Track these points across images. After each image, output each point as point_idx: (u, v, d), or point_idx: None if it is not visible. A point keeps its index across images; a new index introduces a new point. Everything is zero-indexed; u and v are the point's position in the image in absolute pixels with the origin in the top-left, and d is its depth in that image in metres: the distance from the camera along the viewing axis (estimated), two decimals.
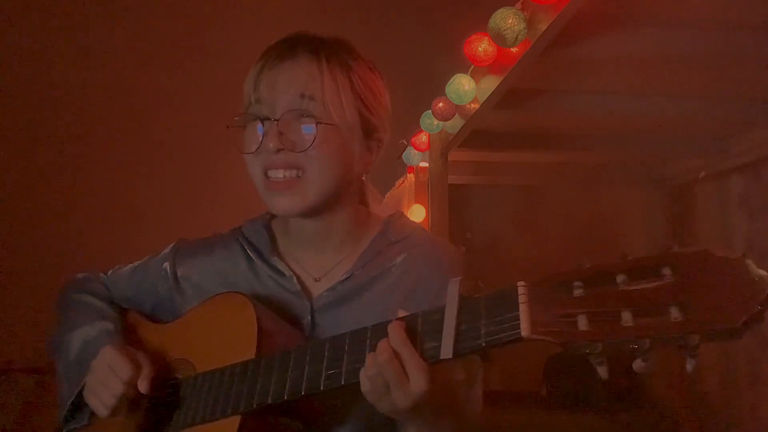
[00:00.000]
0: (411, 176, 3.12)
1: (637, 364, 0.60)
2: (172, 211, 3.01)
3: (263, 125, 0.93)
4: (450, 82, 2.19)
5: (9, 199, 3.00)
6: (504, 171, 3.41)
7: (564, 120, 2.74)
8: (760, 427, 2.81)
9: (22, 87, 3.06)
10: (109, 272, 1.14)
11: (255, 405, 0.84)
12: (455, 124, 2.48)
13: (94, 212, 3.10)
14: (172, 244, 1.10)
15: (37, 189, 3.09)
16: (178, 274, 1.06)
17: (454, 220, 2.88)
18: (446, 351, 0.71)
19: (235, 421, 0.85)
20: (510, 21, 1.70)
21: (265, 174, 0.93)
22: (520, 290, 0.67)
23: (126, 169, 3.19)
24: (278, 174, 0.93)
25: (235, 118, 0.98)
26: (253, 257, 1.02)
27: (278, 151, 0.92)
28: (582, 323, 0.61)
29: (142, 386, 0.91)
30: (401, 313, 0.78)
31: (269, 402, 0.83)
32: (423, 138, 2.84)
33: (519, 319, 0.66)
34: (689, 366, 0.58)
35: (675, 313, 0.58)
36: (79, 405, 0.99)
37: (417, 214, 2.92)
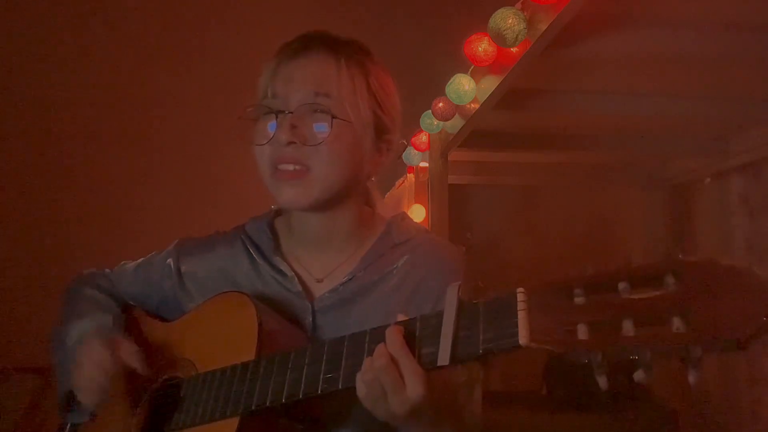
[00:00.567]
0: (411, 176, 3.12)
1: (638, 375, 0.58)
2: (173, 211, 3.01)
3: (276, 118, 0.93)
4: (450, 82, 2.19)
5: (9, 198, 3.00)
6: (504, 171, 3.41)
7: (564, 120, 2.74)
8: (760, 427, 2.80)
9: (22, 86, 3.06)
10: (115, 268, 1.14)
11: (253, 406, 0.84)
12: (455, 124, 2.48)
13: (95, 212, 3.10)
14: (176, 241, 1.11)
15: (37, 188, 3.08)
16: (182, 270, 1.06)
17: (454, 220, 2.88)
18: (443, 357, 0.71)
19: (234, 422, 0.85)
20: (510, 21, 1.70)
21: (275, 167, 0.93)
22: (519, 297, 0.66)
23: (126, 168, 3.19)
24: (288, 167, 0.93)
25: (248, 109, 0.98)
26: (256, 256, 1.02)
27: (289, 143, 0.92)
28: (582, 332, 0.60)
29: (132, 361, 0.92)
30: (400, 317, 0.78)
31: (267, 404, 0.83)
32: (423, 138, 2.84)
33: (517, 327, 0.65)
34: (692, 378, 0.57)
35: (678, 324, 0.56)
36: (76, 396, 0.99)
37: (417, 214, 2.92)
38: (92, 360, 0.92)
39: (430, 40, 2.84)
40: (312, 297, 0.98)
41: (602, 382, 0.61)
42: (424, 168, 2.97)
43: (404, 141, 2.92)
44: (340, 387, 0.79)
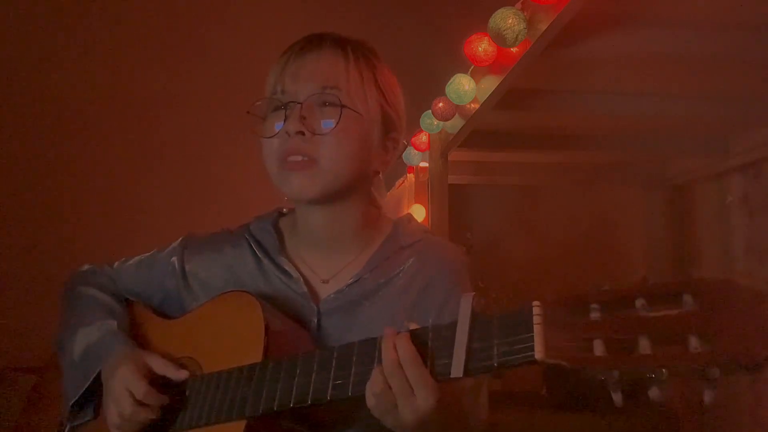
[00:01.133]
0: (411, 176, 3.12)
1: (653, 393, 0.58)
2: (174, 210, 3.00)
3: (285, 110, 0.93)
4: (450, 82, 2.19)
5: (9, 198, 3.00)
6: (504, 171, 3.41)
7: (564, 120, 2.74)
8: (760, 427, 2.80)
9: (22, 85, 3.06)
10: (115, 264, 1.13)
11: (261, 410, 0.84)
12: (455, 124, 2.48)
13: (95, 211, 3.09)
14: (180, 239, 1.10)
15: (38, 188, 3.08)
16: (186, 269, 1.05)
17: (454, 220, 2.88)
18: (457, 370, 0.70)
19: (240, 425, 0.85)
20: (510, 21, 1.70)
21: (283, 159, 0.93)
22: (535, 311, 0.65)
23: (127, 168, 3.18)
24: (296, 158, 0.93)
25: (257, 103, 0.98)
26: (261, 256, 1.01)
27: (298, 133, 0.92)
28: (598, 349, 0.60)
29: (180, 375, 0.91)
30: (412, 326, 0.77)
31: (275, 408, 0.83)
32: (423, 138, 2.84)
33: (533, 341, 0.64)
34: (707, 398, 0.56)
35: (695, 344, 0.56)
36: (82, 402, 0.98)
37: (417, 214, 2.92)
38: (123, 387, 0.90)
39: (430, 40, 2.84)
40: (317, 298, 0.98)
41: (617, 398, 0.60)
42: (424, 168, 2.97)
43: (404, 141, 2.92)
44: (349, 395, 0.78)
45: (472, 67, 2.13)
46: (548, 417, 2.95)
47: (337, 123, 0.92)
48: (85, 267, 1.14)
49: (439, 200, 2.77)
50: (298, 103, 0.93)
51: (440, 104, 2.35)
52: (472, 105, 2.24)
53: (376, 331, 0.79)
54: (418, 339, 0.75)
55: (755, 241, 2.85)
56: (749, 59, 2.09)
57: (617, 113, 2.56)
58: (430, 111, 2.46)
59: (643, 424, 2.88)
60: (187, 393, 0.93)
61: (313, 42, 0.97)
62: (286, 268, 0.99)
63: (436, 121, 2.55)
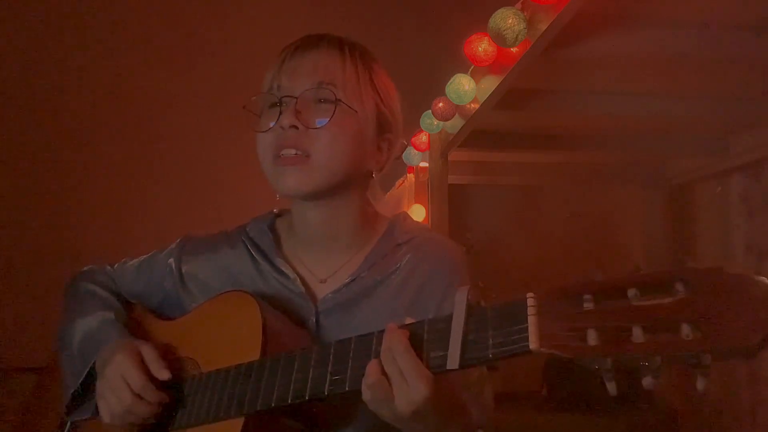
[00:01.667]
0: (411, 176, 3.12)
1: (647, 381, 0.59)
2: (175, 210, 3.01)
3: (281, 104, 0.93)
4: (450, 82, 2.19)
5: (10, 198, 3.00)
6: (504, 171, 3.41)
7: (564, 120, 2.74)
8: (760, 427, 2.80)
9: (24, 86, 3.06)
10: (116, 265, 1.14)
11: (259, 407, 0.84)
12: (455, 124, 2.48)
13: (96, 211, 3.09)
14: (178, 240, 1.10)
15: (38, 188, 3.08)
16: (183, 270, 1.06)
17: (454, 220, 2.88)
18: (453, 361, 0.71)
19: (239, 422, 0.85)
20: (510, 21, 1.70)
21: (277, 153, 0.93)
22: (530, 302, 0.66)
23: (128, 168, 3.18)
24: (290, 152, 0.93)
25: (253, 98, 0.98)
26: (258, 257, 1.02)
27: (292, 127, 0.92)
28: (592, 338, 0.60)
29: (162, 375, 0.91)
30: (408, 320, 0.77)
31: (273, 405, 0.83)
32: (423, 138, 2.84)
33: (528, 332, 0.65)
34: (700, 385, 0.57)
35: (687, 331, 0.57)
36: (82, 396, 0.99)
37: (417, 214, 2.92)
38: (118, 374, 0.91)
39: (430, 40, 2.84)
40: (315, 298, 0.98)
41: (611, 387, 0.61)
42: (424, 168, 2.97)
43: (404, 141, 2.92)
44: (347, 389, 0.78)
45: (472, 67, 2.13)
46: (548, 417, 2.95)
47: (332, 118, 0.92)
48: (87, 267, 1.15)
49: (439, 200, 2.77)
50: (294, 97, 0.93)
51: (440, 104, 2.35)
52: (472, 105, 2.24)
53: (375, 329, 0.80)
54: (414, 332, 0.75)
55: (755, 240, 2.85)
56: (749, 59, 2.09)
57: (617, 113, 2.56)
58: (430, 111, 2.46)
59: (643, 424, 2.88)
60: (185, 392, 0.93)
61: (311, 41, 0.98)
62: (283, 268, 0.99)
63: (436, 121, 2.55)
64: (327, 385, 0.79)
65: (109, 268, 1.14)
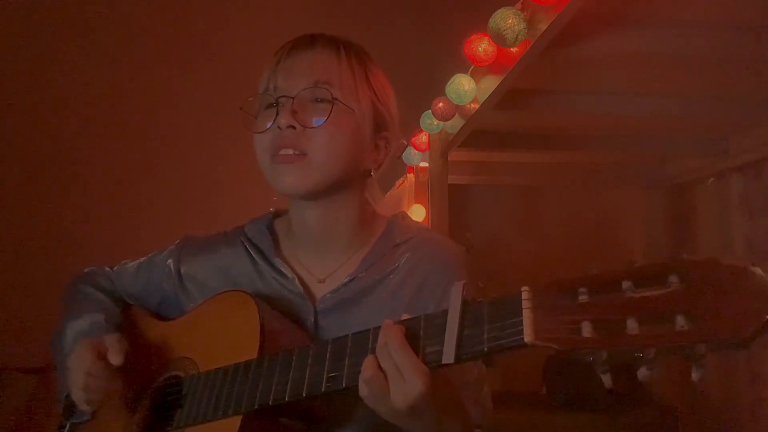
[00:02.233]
0: (411, 176, 3.12)
1: (642, 373, 0.59)
2: (175, 210, 3.01)
3: (278, 105, 0.93)
4: (450, 82, 2.19)
5: (10, 197, 3.00)
6: (504, 171, 3.41)
7: (564, 120, 2.74)
8: (760, 427, 2.80)
9: (24, 85, 3.06)
10: (115, 267, 1.14)
11: (256, 405, 0.84)
12: (455, 124, 2.48)
13: (96, 211, 3.10)
14: (178, 241, 1.10)
15: (38, 187, 3.08)
16: (182, 271, 1.06)
17: (454, 220, 2.88)
18: (448, 356, 0.71)
19: (236, 421, 0.85)
20: (510, 21, 1.70)
21: (274, 153, 0.93)
22: (524, 295, 0.66)
23: (128, 168, 3.19)
24: (288, 151, 0.93)
25: (249, 99, 0.98)
26: (256, 258, 1.02)
27: (289, 127, 0.92)
28: (586, 330, 0.61)
29: (114, 359, 0.91)
30: (405, 317, 0.77)
31: (270, 403, 0.83)
32: (423, 138, 2.84)
33: (522, 325, 0.65)
34: (695, 375, 0.57)
35: (681, 322, 0.57)
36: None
37: (417, 214, 2.92)
38: (79, 366, 0.92)
39: (430, 40, 2.84)
40: (314, 298, 0.98)
41: (606, 380, 0.61)
42: (424, 168, 2.98)
43: (404, 141, 2.93)
44: (343, 386, 0.78)
45: (472, 67, 2.14)
46: (548, 417, 2.95)
47: (329, 117, 0.92)
48: (86, 269, 1.16)
49: (439, 200, 2.77)
50: (290, 97, 0.93)
51: (440, 104, 2.36)
52: (472, 105, 2.24)
53: None
54: (410, 328, 0.75)
55: (755, 241, 2.86)
56: (749, 59, 2.09)
57: (617, 113, 2.57)
58: (430, 111, 2.46)
59: (643, 424, 2.88)
60: (183, 392, 0.93)
61: (306, 40, 0.98)
62: (281, 268, 0.99)
63: (436, 121, 2.56)
64: (324, 383, 0.79)
65: (108, 269, 1.14)
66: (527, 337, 0.64)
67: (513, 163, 3.37)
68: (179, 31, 3.21)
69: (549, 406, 3.05)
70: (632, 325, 0.58)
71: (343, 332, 0.83)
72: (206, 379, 0.91)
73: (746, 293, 0.55)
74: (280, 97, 0.94)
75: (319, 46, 0.97)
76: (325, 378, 0.80)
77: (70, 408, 1.00)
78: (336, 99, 0.93)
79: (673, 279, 0.59)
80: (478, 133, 2.63)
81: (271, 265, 1.00)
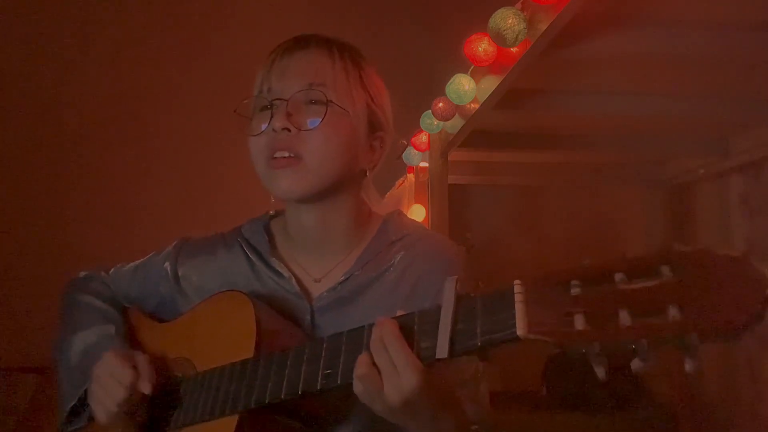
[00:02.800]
0: (411, 176, 3.12)
1: (635, 364, 0.59)
2: (174, 210, 3.01)
3: (272, 107, 0.93)
4: (450, 82, 2.19)
5: (10, 198, 3.00)
6: (504, 171, 3.41)
7: (564, 120, 2.74)
8: (760, 427, 2.80)
9: (23, 85, 3.06)
10: (111, 270, 1.14)
11: (253, 404, 0.84)
12: (455, 124, 2.48)
13: (95, 211, 3.10)
14: (174, 243, 1.11)
15: (38, 188, 3.08)
16: (179, 273, 1.06)
17: (454, 220, 2.88)
18: (442, 350, 0.71)
19: (233, 420, 0.85)
20: (510, 21, 1.70)
21: (270, 156, 0.93)
22: (517, 289, 0.67)
23: (127, 168, 3.19)
24: (283, 154, 0.93)
25: (244, 101, 0.98)
26: (253, 258, 1.02)
27: (284, 129, 0.92)
28: (579, 323, 0.61)
29: (144, 388, 0.91)
30: (399, 313, 0.78)
31: (266, 402, 0.83)
32: (423, 138, 2.84)
33: (515, 319, 0.65)
34: (688, 366, 0.57)
35: (674, 313, 0.57)
36: (78, 409, 0.99)
37: (417, 214, 2.92)
38: (107, 373, 0.91)
39: (430, 40, 2.84)
40: (310, 297, 0.98)
41: (600, 372, 0.61)
42: (424, 168, 2.97)
43: (404, 141, 2.93)
44: (338, 383, 0.78)
45: (472, 67, 2.14)
46: (548, 417, 2.95)
47: (323, 118, 0.92)
48: (82, 274, 1.15)
49: (439, 200, 2.77)
50: (284, 100, 0.93)
51: (440, 104, 2.35)
52: (472, 105, 2.24)
53: None
54: (404, 323, 0.76)
55: (755, 241, 2.85)
56: (749, 59, 2.09)
57: (617, 113, 2.56)
58: (430, 111, 2.46)
59: (643, 424, 2.88)
60: (181, 392, 0.94)
61: (300, 42, 0.98)
62: (278, 268, 1.00)
63: (436, 121, 2.55)
64: (320, 380, 0.80)
65: (104, 274, 1.14)
66: (520, 330, 0.64)
67: (513, 163, 3.37)
68: (178, 31, 3.21)
69: (549, 406, 3.05)
70: (625, 317, 0.59)
71: (339, 330, 0.83)
72: (203, 380, 0.91)
73: (738, 283, 0.55)
74: (274, 99, 0.94)
75: (312, 47, 0.97)
76: (320, 375, 0.80)
77: (71, 417, 1.00)
78: (331, 101, 0.93)
79: (666, 270, 0.59)
80: (478, 133, 2.63)
81: (268, 265, 1.01)
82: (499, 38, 1.74)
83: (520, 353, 3.18)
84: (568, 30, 1.68)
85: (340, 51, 0.98)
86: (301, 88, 0.93)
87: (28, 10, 3.00)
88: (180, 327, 1.02)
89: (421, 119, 2.66)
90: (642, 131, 2.92)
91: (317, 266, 1.00)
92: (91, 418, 0.97)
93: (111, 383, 0.90)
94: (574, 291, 0.63)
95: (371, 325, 0.78)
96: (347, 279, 0.97)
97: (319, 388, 0.79)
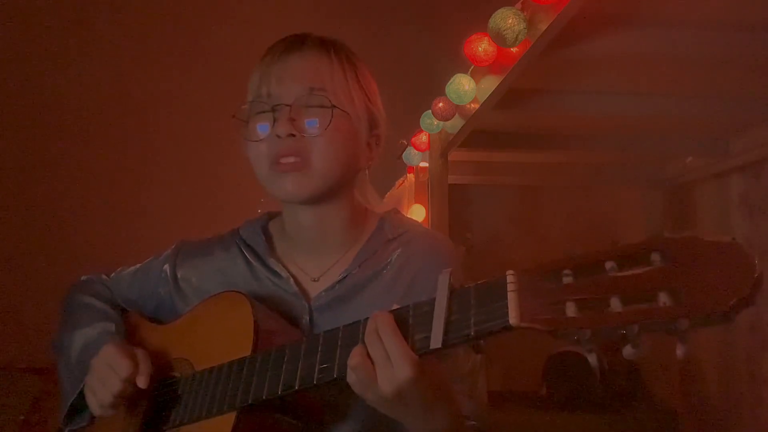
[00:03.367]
0: (411, 176, 3.12)
1: (627, 351, 0.59)
2: (174, 212, 3.01)
3: (274, 112, 0.93)
4: (450, 82, 2.20)
5: (11, 199, 3.00)
6: (504, 171, 3.41)
7: (564, 120, 2.74)
8: (760, 427, 2.80)
9: (23, 86, 3.06)
10: (112, 274, 1.14)
11: (250, 401, 0.84)
12: (455, 124, 2.48)
13: (96, 212, 3.10)
14: (173, 246, 1.11)
15: (38, 188, 3.09)
16: (178, 276, 1.06)
17: (454, 220, 2.88)
18: (436, 341, 0.71)
19: (231, 417, 0.85)
20: (510, 21, 1.70)
21: (275, 160, 0.93)
22: (509, 279, 0.67)
23: (127, 169, 3.19)
24: (289, 159, 0.93)
25: (243, 107, 0.98)
26: (251, 259, 1.02)
27: (289, 136, 0.92)
28: (570, 310, 0.61)
29: (141, 382, 0.91)
30: (395, 307, 0.78)
31: (264, 397, 0.83)
32: (423, 138, 2.84)
33: (507, 308, 0.66)
34: (679, 351, 0.58)
35: (664, 299, 0.58)
36: (80, 406, 0.99)
37: (417, 214, 2.92)
38: (104, 364, 0.92)
39: (430, 40, 2.84)
40: (308, 296, 0.98)
41: (592, 359, 0.62)
42: (424, 168, 2.98)
43: (404, 141, 2.93)
44: (335, 376, 0.78)
45: (472, 67, 2.14)
46: (548, 417, 2.95)
47: (329, 124, 0.92)
48: (83, 278, 1.16)
49: (439, 200, 2.77)
50: (287, 105, 0.93)
51: (440, 104, 2.36)
52: (472, 105, 2.24)
53: None
54: (399, 316, 0.76)
55: (755, 241, 2.86)
56: (749, 59, 2.09)
57: (617, 113, 2.57)
58: (430, 111, 2.46)
59: (643, 424, 2.88)
60: (179, 391, 0.94)
61: (295, 43, 0.97)
62: (276, 269, 1.00)
63: (436, 121, 2.56)
64: (316, 374, 0.80)
65: (105, 277, 1.15)
66: (512, 319, 0.65)
67: (513, 163, 3.37)
68: (178, 31, 3.21)
69: (549, 406, 3.05)
70: (616, 303, 0.59)
71: None
72: (201, 378, 0.92)
73: (727, 267, 0.56)
74: (276, 105, 0.94)
75: (309, 48, 0.96)
76: (317, 369, 0.80)
77: (71, 415, 1.00)
78: (334, 106, 0.93)
79: (656, 257, 0.60)
80: (478, 133, 2.63)
81: (266, 266, 1.01)
82: (499, 38, 1.74)
83: (520, 352, 3.18)
84: (568, 30, 1.68)
85: (337, 52, 0.97)
86: (303, 93, 0.93)
87: (28, 10, 3.00)
88: (179, 328, 1.02)
89: (421, 119, 2.66)
90: (642, 131, 2.92)
91: (315, 266, 1.01)
92: (93, 417, 0.98)
93: (108, 374, 0.91)
94: (566, 280, 0.63)
95: (367, 320, 0.78)
96: (345, 278, 0.97)
97: (315, 382, 0.80)
